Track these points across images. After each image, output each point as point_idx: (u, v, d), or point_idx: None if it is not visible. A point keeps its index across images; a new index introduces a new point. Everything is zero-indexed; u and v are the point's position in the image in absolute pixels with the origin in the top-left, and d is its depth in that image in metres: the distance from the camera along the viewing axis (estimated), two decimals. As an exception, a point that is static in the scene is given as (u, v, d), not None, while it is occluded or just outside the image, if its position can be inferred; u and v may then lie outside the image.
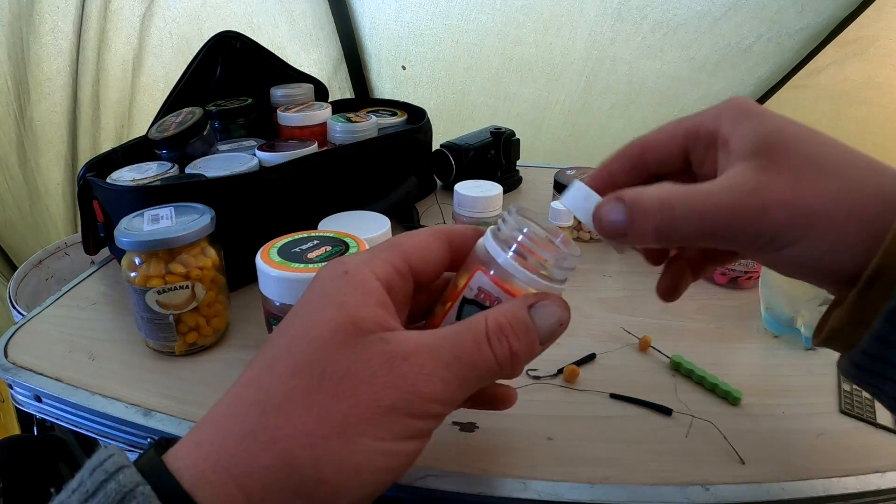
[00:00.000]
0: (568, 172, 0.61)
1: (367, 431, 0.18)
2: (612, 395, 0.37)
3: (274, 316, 0.35)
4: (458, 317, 0.22)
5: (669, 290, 0.28)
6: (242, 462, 0.18)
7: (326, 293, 0.20)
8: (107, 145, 1.01)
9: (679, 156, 0.25)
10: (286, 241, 0.36)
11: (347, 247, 0.35)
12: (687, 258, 0.28)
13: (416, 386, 0.19)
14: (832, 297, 0.42)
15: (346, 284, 0.20)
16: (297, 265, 0.33)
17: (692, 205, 0.20)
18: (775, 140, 0.21)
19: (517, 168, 0.75)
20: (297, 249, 0.35)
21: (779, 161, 0.20)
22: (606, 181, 0.26)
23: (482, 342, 0.20)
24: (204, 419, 0.20)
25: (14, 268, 0.99)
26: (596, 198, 0.23)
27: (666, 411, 0.35)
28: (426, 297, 0.25)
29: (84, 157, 1.00)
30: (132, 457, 0.19)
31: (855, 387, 0.39)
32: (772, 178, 0.20)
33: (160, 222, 0.39)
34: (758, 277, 0.47)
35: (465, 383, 0.19)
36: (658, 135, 0.25)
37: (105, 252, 0.56)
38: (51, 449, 0.60)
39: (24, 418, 0.92)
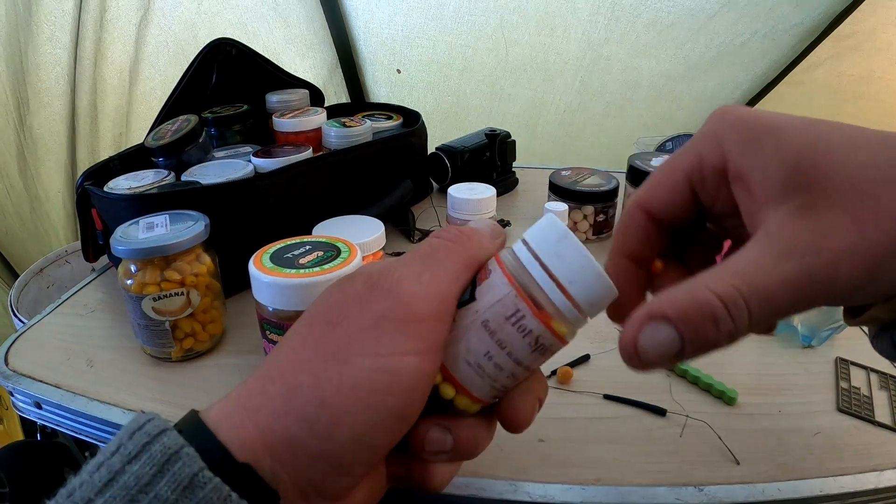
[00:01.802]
0: (563, 173, 0.61)
1: (359, 349, 0.19)
2: (606, 396, 0.37)
3: (267, 321, 0.35)
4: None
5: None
6: (255, 396, 0.19)
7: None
8: (105, 153, 1.02)
9: (689, 204, 0.21)
10: (278, 247, 0.36)
11: (339, 252, 0.35)
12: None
13: (400, 289, 0.20)
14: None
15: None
16: (289, 271, 0.33)
17: (759, 294, 0.16)
18: (806, 169, 0.17)
19: (513, 170, 0.75)
20: (289, 255, 0.35)
21: (822, 196, 0.16)
22: (628, 266, 0.22)
23: (430, 239, 0.22)
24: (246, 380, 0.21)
25: (15, 276, 1.00)
26: (569, 237, 0.20)
27: (660, 412, 0.35)
28: None
29: (83, 165, 1.01)
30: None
31: (853, 384, 0.39)
32: (825, 223, 0.16)
33: (155, 230, 0.39)
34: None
35: (424, 271, 0.21)
36: (658, 191, 0.21)
37: (105, 259, 0.56)
38: (55, 454, 0.61)
39: (28, 425, 0.93)
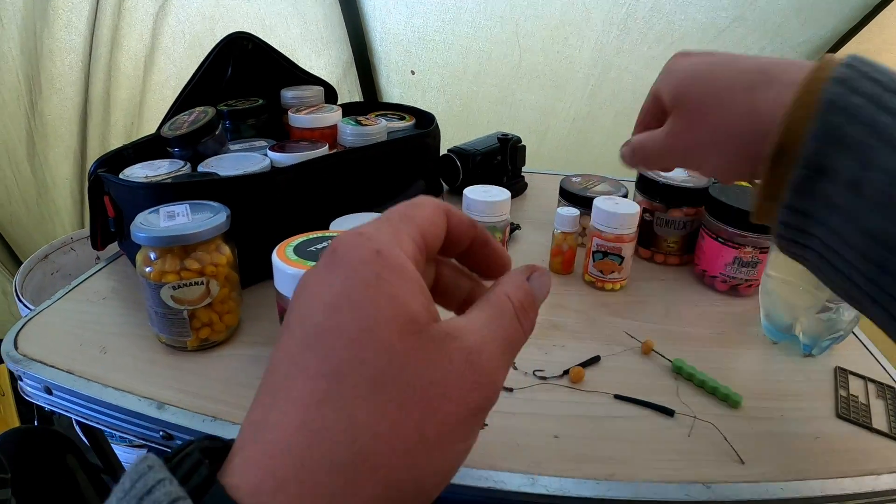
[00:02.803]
0: (574, 180, 0.62)
1: (459, 436, 0.18)
2: (617, 396, 0.38)
3: (288, 312, 0.36)
4: None
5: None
6: (344, 498, 0.16)
7: (369, 282, 0.18)
8: (116, 142, 1.02)
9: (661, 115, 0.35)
10: (301, 240, 0.37)
11: (361, 246, 0.36)
12: None
13: (494, 378, 0.19)
14: (830, 304, 0.43)
15: (385, 269, 0.18)
16: (312, 263, 0.34)
17: (648, 146, 0.33)
18: (679, 94, 0.31)
19: (523, 174, 0.76)
20: (312, 248, 0.35)
21: (681, 111, 0.31)
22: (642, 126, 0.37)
23: (516, 321, 0.20)
24: (268, 445, 0.17)
25: (20, 262, 1.00)
26: None
27: (668, 412, 0.36)
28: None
29: (93, 152, 1.01)
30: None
31: (852, 392, 0.40)
32: (678, 127, 0.31)
33: (176, 219, 0.39)
34: (758, 285, 0.48)
35: (510, 361, 0.20)
36: (644, 105, 0.37)
37: (112, 248, 0.56)
38: (57, 441, 0.61)
39: (24, 412, 0.92)
